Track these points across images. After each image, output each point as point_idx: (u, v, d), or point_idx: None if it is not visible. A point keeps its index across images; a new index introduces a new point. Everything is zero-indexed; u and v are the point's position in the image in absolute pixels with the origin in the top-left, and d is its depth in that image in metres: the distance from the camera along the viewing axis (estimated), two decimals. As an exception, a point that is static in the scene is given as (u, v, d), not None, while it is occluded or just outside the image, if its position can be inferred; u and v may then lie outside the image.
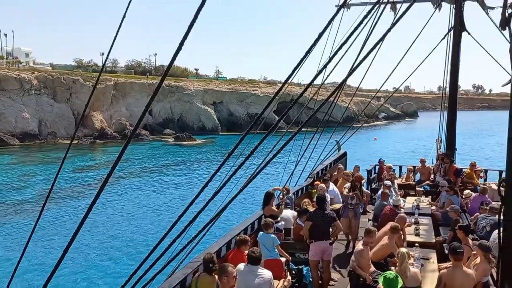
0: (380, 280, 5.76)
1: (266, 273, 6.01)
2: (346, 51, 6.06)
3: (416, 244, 7.92)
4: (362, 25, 4.22)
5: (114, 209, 21.65)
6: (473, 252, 7.06)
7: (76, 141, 48.68)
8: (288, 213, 9.61)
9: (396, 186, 12.93)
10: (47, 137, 50.41)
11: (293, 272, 8.06)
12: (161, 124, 61.80)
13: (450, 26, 14.63)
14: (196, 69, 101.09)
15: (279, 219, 9.22)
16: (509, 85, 3.73)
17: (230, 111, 70.40)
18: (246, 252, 6.49)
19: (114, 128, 56.38)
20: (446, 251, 6.94)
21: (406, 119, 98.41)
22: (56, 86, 53.80)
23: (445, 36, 14.78)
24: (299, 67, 4.19)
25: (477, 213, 9.69)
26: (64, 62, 78.76)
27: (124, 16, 3.96)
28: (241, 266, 6.11)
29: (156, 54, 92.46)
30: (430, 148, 15.54)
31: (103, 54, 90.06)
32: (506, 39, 3.67)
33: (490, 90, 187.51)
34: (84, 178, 30.58)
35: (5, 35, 76.82)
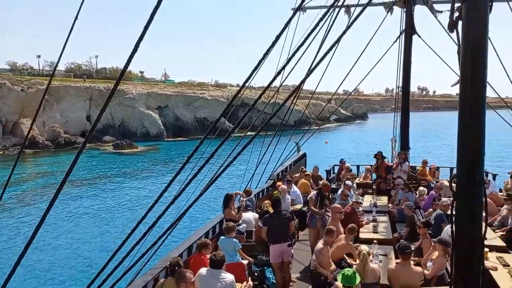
0: (339, 277, 5.88)
1: (228, 277, 5.99)
2: (303, 53, 6.15)
3: (375, 241, 8.14)
4: (318, 28, 4.30)
5: (60, 220, 20.60)
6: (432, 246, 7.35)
7: (1, 152, 44.78)
8: (249, 215, 9.60)
9: (355, 185, 13.25)
10: (-36, 147, 45.17)
11: (255, 274, 8.07)
12: (101, 130, 56.21)
13: (401, 30, 15.19)
14: (141, 72, 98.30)
15: (240, 221, 9.21)
16: (457, 85, 3.90)
17: (176, 116, 66.55)
18: (208, 256, 6.44)
19: (47, 136, 51.14)
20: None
21: (357, 121, 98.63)
22: (-22, 90, 47.87)
23: (397, 39, 15.32)
24: (257, 70, 4.20)
25: (431, 209, 10.09)
26: (-4, 65, 72.13)
27: (76, 18, 3.84)
28: (203, 270, 6.05)
29: (97, 56, 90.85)
30: (384, 149, 16.07)
31: (39, 56, 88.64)
32: (454, 41, 3.83)
33: (434, 92, 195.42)
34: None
35: None
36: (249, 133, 7.80)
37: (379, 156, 14.61)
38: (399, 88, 16.17)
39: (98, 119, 3.22)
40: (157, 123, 61.22)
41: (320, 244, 7.50)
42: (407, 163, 14.18)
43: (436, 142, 53.36)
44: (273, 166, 13.49)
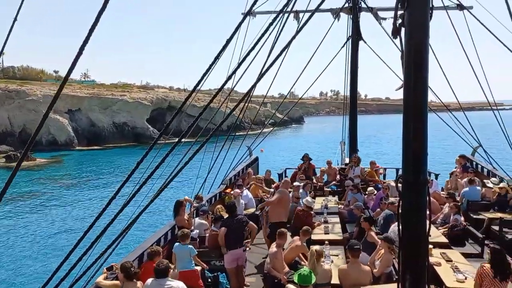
0: (295, 277, 5.93)
1: (175, 284, 5.88)
2: (254, 58, 6.18)
3: (326, 242, 8.30)
4: (268, 33, 4.33)
5: None
6: (379, 244, 7.61)
7: None
8: (201, 221, 9.52)
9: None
10: None
11: (209, 280, 7.99)
12: None
13: (348, 35, 15.69)
14: (56, 71, 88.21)
15: (192, 227, 9.10)
16: (402, 89, 4.06)
17: (91, 121, 58.02)
18: (160, 264, 6.30)
19: None
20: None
21: (293, 125, 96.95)
22: None
23: (344, 44, 15.80)
24: (208, 73, 4.16)
25: (378, 209, 10.44)
26: None
27: (15, 19, 3.65)
28: (148, 281, 5.91)
29: (3, 53, 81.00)
30: (332, 152, 16.55)
31: None
32: (397, 47, 4.00)
33: (366, 96, 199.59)
34: None
35: None
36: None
37: (306, 158, 15.06)
38: (347, 92, 16.68)
39: None
40: (66, 129, 52.51)
41: (273, 248, 7.55)
42: (360, 167, 14.60)
43: (380, 145, 55.07)
44: (225, 171, 13.45)
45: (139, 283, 5.97)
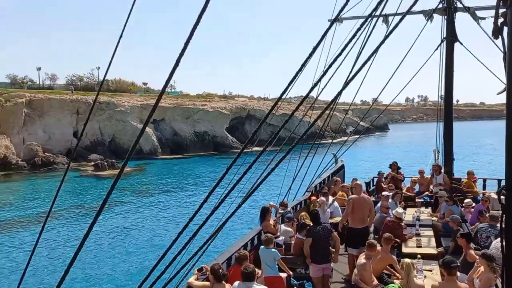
0: None
1: None
2: (340, 65, 6.09)
3: (418, 256, 7.88)
4: (355, 39, 4.25)
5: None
6: (476, 261, 7.04)
7: None
8: (287, 228, 9.56)
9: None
10: None
11: (295, 287, 7.99)
12: (89, 147, 49.81)
13: (442, 37, 14.80)
14: (145, 83, 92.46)
15: (278, 234, 9.17)
16: (505, 93, 3.74)
17: (174, 130, 59.42)
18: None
19: (23, 156, 44.64)
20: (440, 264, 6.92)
21: (377, 133, 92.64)
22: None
23: (438, 47, 14.92)
24: (294, 81, 4.18)
25: (477, 223, 9.66)
26: (-4, 80, 71.12)
27: (121, 36, 3.96)
28: (235, 284, 6.06)
29: (99, 68, 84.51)
30: (425, 160, 15.68)
31: (39, 69, 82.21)
32: (499, 48, 3.70)
33: (457, 101, 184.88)
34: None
35: None
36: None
37: (394, 166, 14.45)
38: (442, 98, 15.73)
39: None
40: (151, 139, 53.61)
41: (362, 259, 7.33)
42: (442, 175, 13.72)
43: (478, 154, 50.87)
44: (310, 178, 13.39)
45: (227, 285, 6.15)
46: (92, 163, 43.15)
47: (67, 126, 51.10)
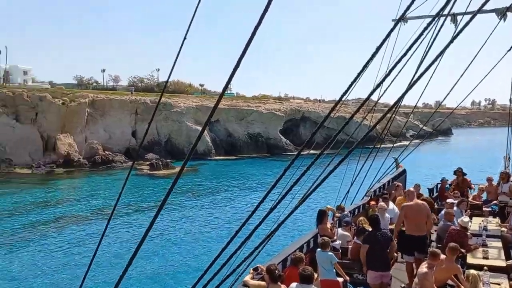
0: None
1: None
2: (403, 66, 5.90)
3: (485, 268, 7.45)
4: (420, 39, 4.09)
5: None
6: None
7: (29, 171, 41.68)
8: (345, 232, 9.40)
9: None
10: None
11: (351, 293, 7.84)
12: (146, 147, 50.08)
13: (516, 37, 13.88)
14: (201, 85, 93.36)
15: (335, 237, 9.05)
16: None
17: (228, 131, 59.73)
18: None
19: (85, 154, 46.64)
20: None
21: (439, 138, 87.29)
22: (19, 104, 45.38)
23: (511, 48, 13.99)
24: (355, 82, 4.11)
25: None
26: (65, 80, 75.18)
27: (185, 38, 4.08)
28: (293, 285, 6.04)
29: (159, 70, 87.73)
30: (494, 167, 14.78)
31: (104, 70, 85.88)
32: None
33: None
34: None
35: (-1, 51, 66.79)
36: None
37: (459, 172, 13.83)
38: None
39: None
40: (205, 140, 54.11)
41: (424, 268, 7.04)
42: (510, 183, 12.83)
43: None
44: (369, 183, 13.06)
45: (283, 286, 6.15)
46: (148, 162, 44.59)
47: (127, 125, 52.97)
